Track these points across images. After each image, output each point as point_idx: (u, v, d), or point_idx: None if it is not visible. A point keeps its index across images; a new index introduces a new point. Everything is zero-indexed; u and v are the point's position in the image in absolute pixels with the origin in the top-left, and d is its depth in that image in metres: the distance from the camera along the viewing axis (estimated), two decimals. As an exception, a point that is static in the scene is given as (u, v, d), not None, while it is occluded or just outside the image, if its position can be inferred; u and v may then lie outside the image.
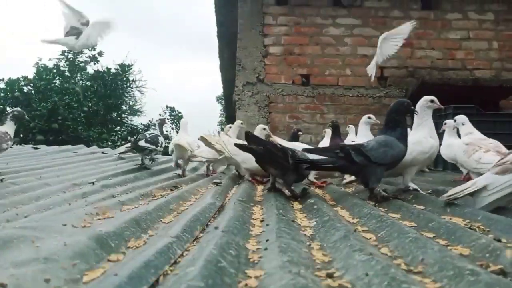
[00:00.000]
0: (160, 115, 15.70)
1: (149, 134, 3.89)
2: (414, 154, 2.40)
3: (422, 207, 1.99)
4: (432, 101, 2.51)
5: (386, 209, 2.00)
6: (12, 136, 3.26)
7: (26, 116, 3.54)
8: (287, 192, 2.50)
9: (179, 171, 3.83)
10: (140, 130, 14.82)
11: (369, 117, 3.31)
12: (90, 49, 15.83)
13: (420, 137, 2.47)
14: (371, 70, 5.04)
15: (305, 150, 2.61)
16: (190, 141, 3.72)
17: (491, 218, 1.61)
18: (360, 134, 3.52)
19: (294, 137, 4.14)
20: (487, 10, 6.13)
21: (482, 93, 5.24)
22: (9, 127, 3.24)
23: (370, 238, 1.47)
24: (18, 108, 3.58)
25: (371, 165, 2.23)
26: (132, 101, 16.74)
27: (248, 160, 3.01)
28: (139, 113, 16.88)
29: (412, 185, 2.45)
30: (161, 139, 3.93)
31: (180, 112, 16.49)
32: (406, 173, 2.47)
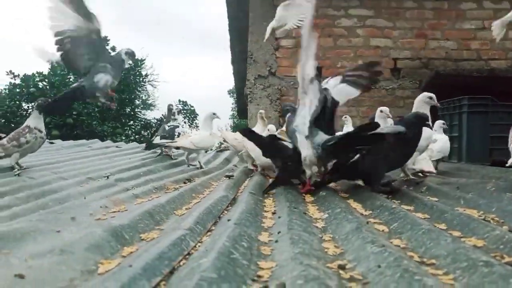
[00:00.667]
0: (170, 105, 15.79)
1: (163, 131, 3.84)
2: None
3: (435, 199, 1.98)
4: (430, 97, 2.66)
5: (399, 201, 1.99)
6: (37, 127, 3.12)
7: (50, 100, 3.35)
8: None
9: (196, 165, 3.77)
10: (153, 125, 14.92)
11: (381, 111, 3.28)
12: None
13: None
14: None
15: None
16: (200, 137, 3.62)
17: (505, 210, 1.59)
18: None
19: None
20: (503, -1, 6.01)
21: (497, 83, 5.15)
22: (32, 119, 3.16)
23: (383, 230, 1.47)
24: (42, 98, 3.53)
25: None
26: (145, 95, 16.84)
27: (261, 156, 3.00)
28: (152, 107, 16.99)
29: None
30: (178, 130, 3.87)
31: (192, 106, 16.56)
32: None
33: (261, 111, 4.24)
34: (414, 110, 2.67)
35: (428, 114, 2.58)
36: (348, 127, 3.91)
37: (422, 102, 2.69)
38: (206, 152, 4.78)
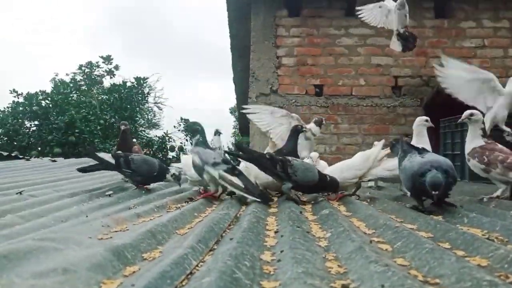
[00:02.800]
0: (174, 126, 15.81)
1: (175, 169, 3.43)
2: None
3: (439, 218, 1.97)
4: (426, 120, 2.97)
5: (402, 220, 1.99)
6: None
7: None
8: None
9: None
10: (156, 143, 14.95)
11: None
12: (106, 63, 16.13)
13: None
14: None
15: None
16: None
17: (509, 228, 1.58)
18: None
19: (295, 134, 3.65)
20: (502, 18, 6.07)
21: (498, 101, 5.16)
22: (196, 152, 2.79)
23: (386, 249, 1.46)
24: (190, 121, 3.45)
25: None
26: (151, 115, 16.94)
27: (259, 175, 3.00)
28: (157, 126, 17.07)
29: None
30: (183, 176, 3.41)
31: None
32: None
33: (271, 136, 4.13)
34: (414, 134, 2.96)
35: (426, 135, 2.91)
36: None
37: (421, 126, 2.96)
38: None
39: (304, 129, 3.60)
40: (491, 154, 2.45)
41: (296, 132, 3.44)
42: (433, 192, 1.97)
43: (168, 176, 3.25)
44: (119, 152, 3.53)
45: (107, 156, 3.40)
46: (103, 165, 3.40)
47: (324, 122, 4.14)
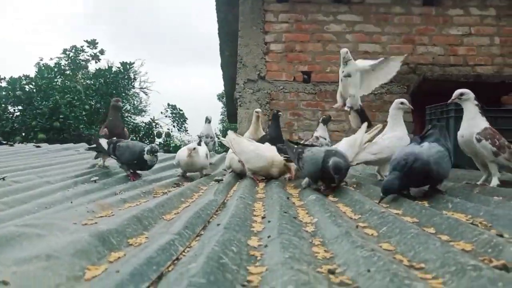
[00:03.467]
0: (161, 113, 15.66)
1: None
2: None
3: (424, 203, 1.99)
4: (402, 103, 2.90)
5: (387, 205, 2.00)
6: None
7: None
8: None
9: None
10: (142, 129, 14.81)
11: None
12: (91, 47, 15.85)
13: (401, 133, 2.84)
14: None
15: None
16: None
17: (493, 214, 1.61)
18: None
19: (275, 118, 3.79)
20: (489, 6, 6.11)
21: (484, 89, 5.22)
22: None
23: (372, 234, 1.47)
24: None
25: None
26: (137, 101, 16.73)
27: (250, 160, 3.02)
28: (143, 113, 16.87)
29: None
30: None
31: (181, 110, 16.47)
32: (386, 165, 2.77)
33: (257, 109, 4.20)
34: (389, 117, 2.93)
35: (401, 119, 2.89)
36: (320, 132, 3.83)
37: (395, 109, 2.91)
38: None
39: (280, 112, 3.63)
40: (501, 138, 2.44)
41: (275, 116, 3.47)
42: (335, 175, 2.30)
43: (145, 156, 3.03)
44: (114, 138, 3.41)
45: (103, 142, 3.38)
46: (102, 151, 3.47)
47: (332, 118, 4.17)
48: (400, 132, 2.86)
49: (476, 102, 2.56)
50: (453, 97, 2.62)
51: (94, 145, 3.55)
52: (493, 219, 1.56)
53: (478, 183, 2.54)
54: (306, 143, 3.33)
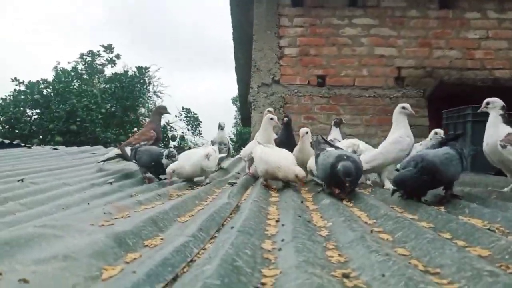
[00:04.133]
0: (176, 116, 15.81)
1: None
2: (395, 152, 2.74)
3: (440, 208, 1.97)
4: (404, 107, 2.88)
5: (402, 210, 1.99)
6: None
7: None
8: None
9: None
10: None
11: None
12: (107, 52, 16.08)
13: (397, 136, 2.81)
14: None
15: None
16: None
17: (510, 220, 1.58)
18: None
19: (286, 125, 3.69)
20: (507, 9, 6.02)
21: (501, 93, 5.14)
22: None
23: (387, 239, 1.46)
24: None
25: None
26: (151, 104, 16.95)
27: (257, 165, 2.97)
28: (158, 116, 17.05)
29: (388, 185, 2.69)
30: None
31: (196, 114, 16.60)
32: (384, 172, 2.82)
33: (269, 109, 4.12)
34: (393, 121, 2.90)
35: (404, 123, 2.85)
36: (333, 134, 3.85)
37: (398, 114, 2.88)
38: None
39: (286, 118, 3.61)
40: None
41: (286, 125, 3.48)
42: (346, 179, 2.26)
43: (163, 160, 3.10)
44: (137, 144, 3.60)
45: (128, 151, 3.56)
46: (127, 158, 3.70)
47: (344, 121, 4.26)
48: (397, 135, 2.84)
49: (501, 112, 2.58)
50: (482, 107, 2.66)
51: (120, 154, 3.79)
52: (510, 225, 1.54)
53: (506, 189, 2.51)
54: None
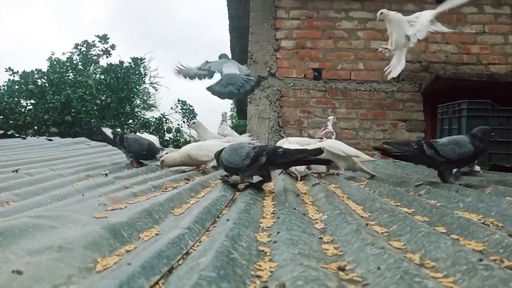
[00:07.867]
0: (172, 108, 15.71)
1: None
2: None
3: (435, 202, 1.98)
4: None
5: (398, 204, 1.99)
6: None
7: None
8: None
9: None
10: (152, 124, 14.90)
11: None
12: (102, 42, 15.94)
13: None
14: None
15: (385, 143, 3.14)
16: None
17: (505, 214, 1.59)
18: None
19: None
20: (503, 4, 6.02)
21: (497, 88, 5.16)
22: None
23: (382, 232, 1.47)
24: None
25: (440, 158, 2.53)
26: (146, 96, 16.85)
27: None
28: (153, 108, 16.98)
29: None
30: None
31: (191, 106, 16.52)
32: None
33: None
34: None
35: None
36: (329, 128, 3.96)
37: None
38: None
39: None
40: None
41: None
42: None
43: (158, 156, 3.47)
44: (118, 130, 3.95)
45: (108, 132, 3.78)
46: (106, 140, 3.94)
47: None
48: None
49: None
50: None
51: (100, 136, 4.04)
52: (505, 219, 1.55)
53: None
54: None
